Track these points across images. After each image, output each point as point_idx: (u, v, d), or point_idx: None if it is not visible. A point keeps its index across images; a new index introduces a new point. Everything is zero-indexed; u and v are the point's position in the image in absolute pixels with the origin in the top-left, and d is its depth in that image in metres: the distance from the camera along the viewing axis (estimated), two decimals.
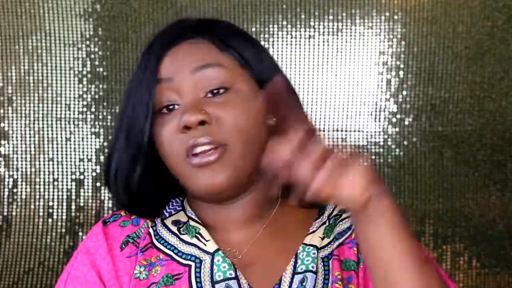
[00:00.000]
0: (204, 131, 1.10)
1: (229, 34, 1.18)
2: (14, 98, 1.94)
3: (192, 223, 1.19)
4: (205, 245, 1.16)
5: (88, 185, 1.96)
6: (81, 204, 1.96)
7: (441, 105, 1.93)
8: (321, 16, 1.89)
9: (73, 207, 1.96)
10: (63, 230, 1.96)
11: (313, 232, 1.18)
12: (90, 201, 1.96)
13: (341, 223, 1.19)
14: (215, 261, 1.14)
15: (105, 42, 1.93)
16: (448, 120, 1.93)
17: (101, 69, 1.93)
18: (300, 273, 1.13)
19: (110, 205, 1.95)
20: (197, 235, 1.17)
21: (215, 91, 1.12)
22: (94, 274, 1.14)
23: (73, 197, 1.96)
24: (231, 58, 1.15)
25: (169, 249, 1.17)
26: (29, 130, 1.95)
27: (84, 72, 1.94)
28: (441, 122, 1.96)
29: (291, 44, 1.90)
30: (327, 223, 1.19)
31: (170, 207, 1.22)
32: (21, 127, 1.95)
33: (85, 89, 1.94)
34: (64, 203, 1.96)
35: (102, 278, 1.15)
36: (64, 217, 1.96)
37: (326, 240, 1.17)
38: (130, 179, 1.16)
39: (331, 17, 1.90)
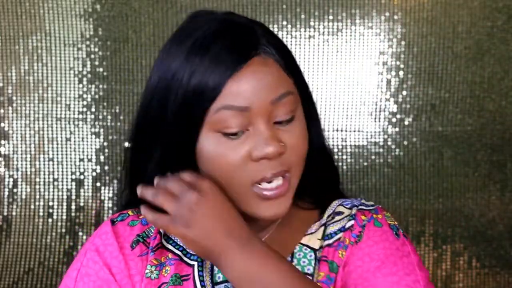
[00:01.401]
0: (280, 164, 1.09)
1: (285, 48, 1.14)
2: (14, 98, 1.94)
3: None
4: None
5: (88, 185, 1.96)
6: (81, 204, 1.96)
7: (441, 105, 1.93)
8: (321, 16, 1.89)
9: (73, 207, 1.96)
10: (63, 230, 1.96)
11: (312, 233, 1.18)
12: (90, 201, 1.96)
13: (333, 224, 1.18)
14: None
15: (105, 42, 1.93)
16: (448, 120, 1.94)
17: (101, 69, 1.94)
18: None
19: (110, 205, 1.95)
20: None
21: (289, 119, 1.10)
22: (107, 272, 1.14)
23: (73, 197, 1.96)
24: (292, 80, 1.12)
25: (177, 249, 1.17)
26: (29, 130, 1.95)
27: (84, 72, 1.94)
28: (441, 122, 1.96)
29: (291, 44, 1.90)
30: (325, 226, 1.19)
31: None
32: (21, 127, 1.95)
33: (85, 89, 1.94)
34: (64, 203, 1.96)
35: (115, 276, 1.14)
36: (64, 217, 1.96)
37: (328, 241, 1.16)
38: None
39: (331, 17, 1.90)
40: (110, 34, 1.93)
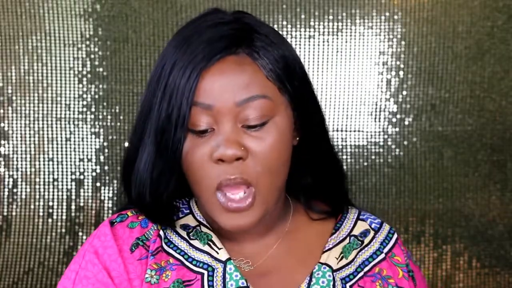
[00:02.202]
0: (238, 169, 1.06)
1: (272, 49, 1.10)
2: (14, 98, 1.94)
3: (203, 229, 1.16)
4: (217, 253, 1.13)
5: (88, 185, 1.96)
6: (81, 204, 1.96)
7: (441, 105, 1.93)
8: (321, 16, 1.89)
9: (73, 207, 1.96)
10: (63, 230, 1.96)
11: (329, 249, 1.16)
12: (90, 201, 1.96)
13: (363, 251, 1.17)
14: (227, 269, 1.12)
15: (105, 42, 1.93)
16: (448, 120, 1.93)
17: (101, 69, 1.93)
18: None
19: (110, 205, 1.95)
20: (209, 242, 1.14)
21: (259, 123, 1.07)
22: (106, 275, 1.11)
23: (73, 197, 1.96)
24: (274, 84, 1.08)
25: (179, 254, 1.14)
26: (29, 130, 1.95)
27: (84, 72, 1.94)
28: (441, 122, 1.96)
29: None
30: (347, 241, 1.17)
31: (183, 208, 1.19)
32: (21, 127, 1.95)
33: (85, 89, 1.94)
34: (64, 203, 1.96)
35: (113, 280, 1.11)
36: (64, 217, 1.96)
37: (344, 261, 1.15)
38: (157, 188, 1.12)
39: (331, 17, 1.90)
40: (110, 34, 1.93)
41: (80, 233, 1.96)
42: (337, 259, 1.14)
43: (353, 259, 1.15)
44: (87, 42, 1.93)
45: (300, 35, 1.90)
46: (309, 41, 1.93)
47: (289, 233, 1.17)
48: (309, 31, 1.90)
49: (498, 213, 1.96)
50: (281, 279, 1.13)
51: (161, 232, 1.15)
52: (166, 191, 1.12)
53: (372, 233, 1.18)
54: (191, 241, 1.14)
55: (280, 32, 1.88)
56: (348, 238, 1.17)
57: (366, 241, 1.17)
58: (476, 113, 1.90)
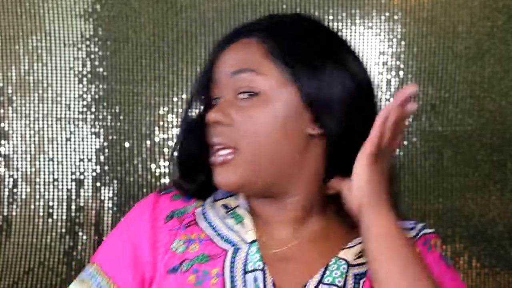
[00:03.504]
0: (217, 131, 1.16)
1: (291, 40, 1.18)
2: (14, 98, 1.94)
3: (240, 210, 1.22)
4: (246, 234, 1.19)
5: (88, 185, 1.96)
6: (81, 204, 1.96)
7: (441, 105, 1.93)
8: (321, 16, 1.89)
9: (73, 207, 1.96)
10: (63, 230, 1.96)
11: (350, 247, 1.18)
12: (90, 201, 1.96)
13: None
14: (249, 251, 1.17)
15: (105, 42, 1.93)
16: (448, 120, 1.93)
17: (101, 69, 1.93)
18: (326, 284, 1.14)
19: (110, 205, 1.96)
20: (241, 222, 1.20)
21: (243, 95, 1.16)
22: (130, 247, 1.19)
23: (73, 197, 1.96)
24: (275, 65, 1.16)
25: (211, 229, 1.20)
26: (29, 130, 1.95)
27: (84, 72, 1.94)
28: (441, 122, 1.96)
29: None
30: None
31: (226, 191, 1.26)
32: (21, 127, 1.95)
33: (85, 89, 1.94)
34: (64, 203, 1.96)
35: (137, 247, 1.19)
36: (64, 217, 1.96)
37: (363, 259, 1.15)
38: (193, 160, 1.24)
39: (331, 17, 1.90)
40: (110, 34, 1.93)
41: (80, 233, 1.96)
42: (355, 255, 1.16)
43: None
44: (87, 42, 1.93)
45: None
46: None
47: (320, 226, 1.20)
48: None
49: (498, 213, 1.96)
50: (299, 268, 1.16)
51: (199, 209, 1.23)
52: (196, 162, 1.23)
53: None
54: (225, 220, 1.21)
55: None
56: None
57: None
58: (476, 113, 1.90)
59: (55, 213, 1.96)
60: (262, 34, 1.18)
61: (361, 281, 1.14)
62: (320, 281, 1.14)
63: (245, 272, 1.16)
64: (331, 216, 1.22)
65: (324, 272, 1.15)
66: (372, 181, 1.10)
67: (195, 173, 1.24)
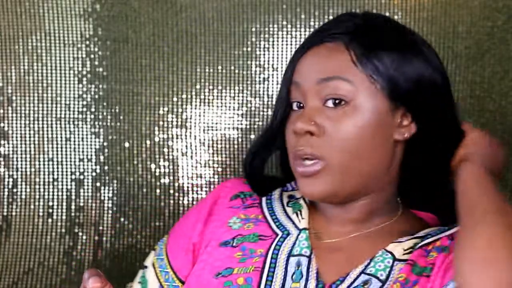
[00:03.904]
0: (308, 142, 1.16)
1: (376, 45, 1.17)
2: (14, 98, 1.94)
3: (301, 201, 1.27)
4: (299, 222, 1.23)
5: (88, 185, 1.96)
6: (81, 204, 1.96)
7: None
8: (321, 16, 1.89)
9: (73, 207, 1.96)
10: (63, 230, 1.96)
11: (400, 242, 1.17)
12: (90, 201, 1.96)
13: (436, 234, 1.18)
14: (299, 237, 1.20)
15: (105, 42, 1.93)
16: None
17: (101, 69, 1.93)
18: (367, 274, 1.14)
19: (110, 205, 1.95)
20: (298, 211, 1.25)
21: (332, 103, 1.15)
22: (202, 215, 1.29)
23: (73, 197, 1.96)
24: (362, 72, 1.15)
25: (269, 213, 1.26)
26: (29, 130, 1.95)
27: (84, 72, 1.94)
28: None
29: (291, 44, 1.90)
30: (420, 241, 1.17)
31: (294, 184, 1.31)
32: (21, 127, 1.95)
33: (85, 89, 1.94)
34: (64, 203, 1.96)
35: (194, 228, 1.28)
36: (64, 217, 1.96)
37: (409, 256, 1.15)
38: (261, 160, 1.29)
39: (331, 17, 1.90)
40: (110, 34, 1.92)
41: (80, 233, 1.96)
42: (404, 250, 1.16)
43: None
44: (87, 42, 1.93)
45: (300, 35, 1.90)
46: None
47: (382, 229, 1.22)
48: (309, 31, 1.90)
49: None
50: (346, 258, 1.18)
51: (264, 198, 1.30)
52: (262, 164, 1.28)
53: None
54: (286, 207, 1.26)
55: (280, 32, 1.90)
56: (423, 239, 1.18)
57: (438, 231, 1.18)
58: (476, 113, 1.89)
59: (55, 213, 1.96)
60: (346, 38, 1.17)
61: (396, 266, 1.14)
62: (362, 271, 1.14)
63: (290, 255, 1.18)
64: (394, 215, 1.23)
65: (368, 263, 1.15)
66: (489, 150, 1.17)
67: (263, 180, 1.30)
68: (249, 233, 1.23)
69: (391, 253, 1.16)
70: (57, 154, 1.95)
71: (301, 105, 1.20)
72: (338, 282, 1.14)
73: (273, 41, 1.90)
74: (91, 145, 1.95)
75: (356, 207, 1.22)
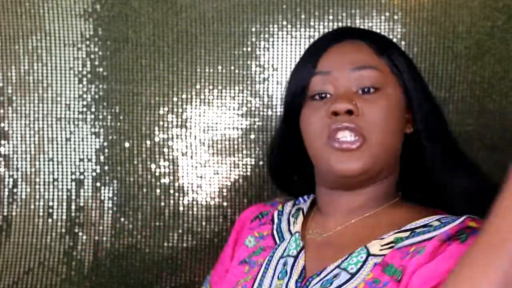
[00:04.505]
0: (349, 120, 1.21)
1: (386, 43, 1.31)
2: (14, 98, 1.94)
3: (300, 209, 1.34)
4: (294, 227, 1.30)
5: (88, 185, 1.96)
6: (81, 204, 1.96)
7: (441, 105, 1.93)
8: (321, 16, 1.89)
9: (73, 207, 1.96)
10: (63, 230, 1.96)
11: (382, 238, 1.20)
12: (90, 201, 1.96)
13: (418, 235, 1.17)
14: (290, 240, 1.27)
15: (105, 42, 1.93)
16: (448, 120, 1.93)
17: (101, 69, 1.93)
18: (340, 268, 1.17)
19: (110, 205, 1.96)
20: (296, 218, 1.32)
21: (366, 90, 1.24)
22: (230, 248, 1.40)
23: (73, 197, 1.96)
24: (386, 63, 1.26)
25: (276, 226, 1.33)
26: (29, 130, 1.95)
27: (84, 72, 1.94)
28: None
29: (291, 44, 1.90)
30: (405, 234, 1.18)
31: (306, 197, 1.38)
32: (21, 127, 1.95)
33: (85, 89, 1.94)
34: (64, 203, 1.96)
35: (226, 254, 1.40)
36: (64, 217, 1.96)
37: (388, 251, 1.17)
38: (276, 160, 1.38)
39: (331, 17, 1.90)
40: (110, 34, 1.93)
41: (80, 233, 1.96)
42: (381, 246, 1.17)
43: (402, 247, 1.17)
44: (87, 42, 1.93)
45: (300, 35, 1.90)
46: (309, 41, 1.93)
47: (375, 214, 1.26)
48: (309, 31, 1.90)
49: None
50: (335, 253, 1.22)
51: (279, 207, 1.37)
52: (285, 163, 1.35)
53: (436, 225, 1.17)
54: (290, 218, 1.34)
55: (280, 32, 1.90)
56: (409, 232, 1.19)
57: (422, 230, 1.18)
58: (476, 113, 1.89)
59: (55, 213, 1.96)
60: (364, 38, 1.28)
61: (369, 263, 1.15)
62: (338, 265, 1.18)
63: (280, 258, 1.26)
64: (392, 205, 1.27)
65: (346, 258, 1.19)
66: None
67: (287, 180, 1.38)
68: (257, 248, 1.31)
69: (367, 248, 1.18)
70: (57, 154, 1.95)
71: (325, 95, 1.26)
72: (315, 276, 1.19)
73: (273, 41, 1.90)
74: (91, 145, 1.95)
75: (361, 195, 1.27)
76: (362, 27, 1.94)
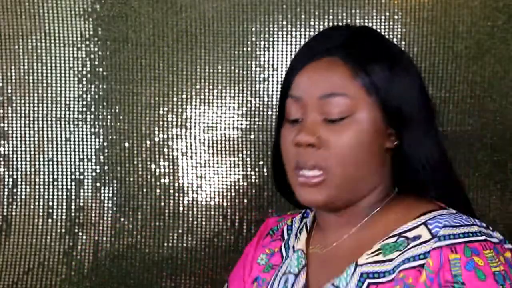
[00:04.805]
0: (310, 154, 1.19)
1: (366, 57, 1.22)
2: (14, 98, 1.94)
3: (305, 224, 1.34)
4: (297, 243, 1.30)
5: (88, 185, 1.95)
6: (81, 204, 1.96)
7: (441, 105, 1.93)
8: (321, 16, 1.89)
9: (73, 207, 1.96)
10: (63, 230, 1.96)
11: (371, 252, 1.19)
12: (90, 201, 1.96)
13: (405, 253, 1.16)
14: (293, 257, 1.27)
15: (105, 42, 1.93)
16: (448, 120, 1.93)
17: (101, 69, 1.93)
18: (335, 286, 1.18)
19: (110, 205, 1.95)
20: (300, 234, 1.32)
21: (334, 118, 1.20)
22: (241, 267, 1.38)
23: (73, 197, 1.96)
24: (360, 85, 1.20)
25: (284, 242, 1.34)
26: (29, 130, 1.95)
27: (84, 72, 1.94)
28: (441, 122, 1.95)
29: (291, 44, 1.90)
30: (392, 240, 1.18)
31: (310, 210, 1.38)
32: (21, 127, 1.95)
33: (85, 89, 1.94)
34: (64, 203, 1.96)
35: (244, 266, 1.38)
36: (64, 217, 1.96)
37: (378, 258, 1.17)
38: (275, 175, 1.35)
39: (331, 17, 1.90)
40: (110, 34, 1.92)
41: (80, 233, 1.96)
42: (368, 254, 1.17)
43: (392, 259, 1.16)
44: (87, 42, 1.93)
45: (300, 35, 1.90)
46: None
47: (366, 224, 1.24)
48: (309, 31, 1.90)
49: (498, 213, 1.96)
50: (332, 270, 1.21)
51: (288, 221, 1.37)
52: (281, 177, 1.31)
53: (426, 236, 1.16)
54: (298, 234, 1.34)
55: (280, 32, 1.90)
56: (396, 237, 1.18)
57: (414, 244, 1.16)
58: (476, 113, 1.89)
59: (55, 213, 1.96)
60: (341, 53, 1.21)
61: (367, 282, 1.15)
62: (332, 283, 1.19)
63: (283, 274, 1.26)
64: (386, 206, 1.25)
65: (339, 276, 1.19)
66: None
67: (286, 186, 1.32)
68: (266, 266, 1.32)
69: (357, 263, 1.19)
70: (57, 154, 1.95)
71: (297, 119, 1.24)
72: None
73: (273, 41, 1.90)
74: (91, 145, 1.95)
75: (347, 212, 1.25)
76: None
